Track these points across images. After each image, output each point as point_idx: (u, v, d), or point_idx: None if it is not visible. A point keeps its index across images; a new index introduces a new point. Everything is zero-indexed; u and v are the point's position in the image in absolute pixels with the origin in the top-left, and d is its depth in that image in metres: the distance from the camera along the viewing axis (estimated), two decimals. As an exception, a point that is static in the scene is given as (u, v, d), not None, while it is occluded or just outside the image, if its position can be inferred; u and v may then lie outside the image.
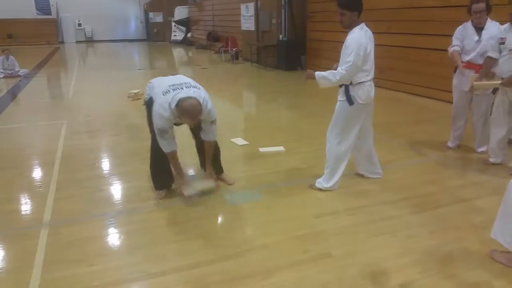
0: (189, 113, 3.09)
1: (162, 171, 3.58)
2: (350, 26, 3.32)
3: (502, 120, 4.01)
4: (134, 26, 28.79)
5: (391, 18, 8.18)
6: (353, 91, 3.37)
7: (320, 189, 3.64)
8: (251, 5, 13.41)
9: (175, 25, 22.97)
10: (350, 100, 3.38)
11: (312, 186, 3.69)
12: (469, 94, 4.41)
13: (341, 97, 3.47)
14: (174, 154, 3.35)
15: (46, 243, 2.88)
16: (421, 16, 7.52)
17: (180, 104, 3.08)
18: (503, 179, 3.67)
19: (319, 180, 3.67)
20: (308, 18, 11.59)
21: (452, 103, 4.67)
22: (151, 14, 27.03)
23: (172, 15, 23.13)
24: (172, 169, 3.49)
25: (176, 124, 3.41)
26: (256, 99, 8.92)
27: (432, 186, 3.78)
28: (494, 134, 4.12)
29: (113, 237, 3.01)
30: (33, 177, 4.23)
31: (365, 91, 3.38)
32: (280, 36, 11.93)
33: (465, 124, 4.63)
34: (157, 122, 3.19)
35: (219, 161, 3.89)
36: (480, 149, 4.54)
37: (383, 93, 8.01)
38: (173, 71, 12.13)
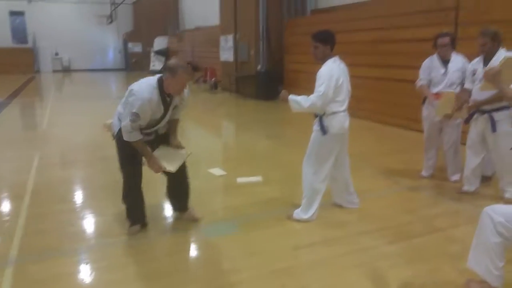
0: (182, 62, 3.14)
1: (136, 207, 3.45)
2: (323, 59, 3.43)
3: (476, 148, 4.10)
4: (112, 55, 28.77)
5: (366, 51, 8.45)
6: (326, 121, 3.43)
7: (298, 220, 3.61)
8: (230, 37, 13.66)
9: (154, 55, 23.10)
10: (324, 130, 3.44)
11: (290, 217, 3.66)
12: (439, 124, 4.53)
13: (315, 127, 3.53)
14: (140, 140, 3.18)
15: (11, 283, 2.74)
16: (392, 49, 7.79)
17: (168, 66, 3.07)
18: (477, 208, 3.72)
19: (297, 211, 3.66)
20: (286, 50, 11.86)
21: (423, 132, 4.78)
22: (130, 44, 27.12)
23: (151, 45, 23.29)
24: (142, 152, 3.25)
25: (147, 128, 3.29)
26: (235, 128, 8.95)
27: (408, 215, 3.81)
28: (468, 162, 4.21)
29: (84, 274, 2.88)
30: (1, 211, 4.06)
31: (339, 121, 3.45)
32: (259, 66, 12.13)
33: (437, 153, 4.73)
34: (136, 104, 3.02)
35: (188, 196, 3.68)
36: (454, 178, 4.62)
37: (358, 123, 8.16)
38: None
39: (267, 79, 12.00)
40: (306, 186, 3.62)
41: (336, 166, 3.68)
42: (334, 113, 3.42)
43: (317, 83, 3.35)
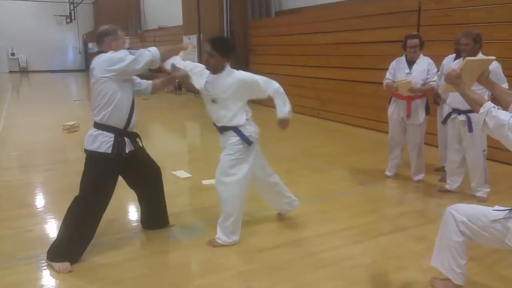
0: None
1: (85, 242, 2.97)
2: (217, 70, 3.14)
3: (455, 147, 4.19)
4: (72, 56, 27.85)
5: (330, 53, 8.55)
6: (246, 131, 3.17)
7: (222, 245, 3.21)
8: (194, 37, 13.50)
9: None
10: (248, 141, 3.16)
11: (212, 243, 3.22)
12: (403, 124, 4.63)
13: (231, 140, 3.17)
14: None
15: (-42, 296, 2.55)
16: (356, 51, 7.93)
17: (107, 29, 2.96)
18: (441, 207, 3.82)
19: (220, 235, 3.23)
20: (250, 52, 11.85)
21: (388, 133, 4.89)
22: (90, 45, 26.34)
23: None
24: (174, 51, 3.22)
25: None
26: (201, 129, 8.83)
27: (373, 214, 3.86)
28: (449, 161, 4.31)
29: (44, 281, 2.73)
30: (-51, 220, 3.80)
31: (253, 125, 3.26)
32: (223, 68, 12.05)
33: (401, 153, 4.82)
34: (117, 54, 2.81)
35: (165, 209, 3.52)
36: (416, 178, 4.73)
37: (325, 124, 8.26)
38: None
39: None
40: (236, 205, 3.19)
41: (258, 173, 3.39)
42: (247, 119, 3.21)
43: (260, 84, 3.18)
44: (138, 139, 3.09)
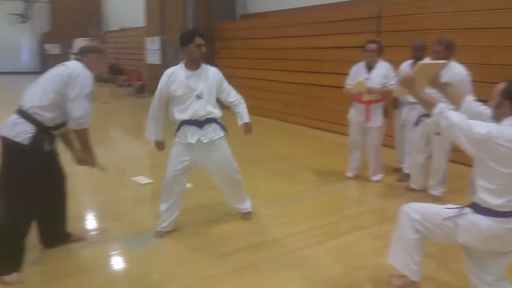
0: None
1: (15, 246, 2.74)
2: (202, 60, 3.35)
3: (420, 149, 4.34)
4: (27, 58, 26.71)
5: (295, 57, 8.65)
6: (221, 122, 3.43)
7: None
8: (157, 39, 13.31)
9: (73, 57, 21.78)
10: (226, 129, 3.44)
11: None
12: (363, 127, 4.75)
13: (218, 134, 3.38)
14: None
15: None
16: (319, 56, 8.07)
17: (94, 47, 3.02)
18: (398, 206, 3.91)
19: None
20: (216, 55, 11.80)
21: (348, 135, 5.00)
22: (47, 46, 25.38)
23: (71, 47, 22.00)
24: (89, 144, 2.94)
25: None
26: (165, 133, 8.68)
27: (334, 215, 3.94)
28: (414, 161, 4.47)
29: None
30: None
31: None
32: (187, 70, 11.94)
33: (362, 155, 4.95)
34: (88, 82, 2.82)
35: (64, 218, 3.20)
36: (375, 178, 4.87)
37: (288, 127, 8.35)
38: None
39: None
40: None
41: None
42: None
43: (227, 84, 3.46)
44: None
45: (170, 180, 3.35)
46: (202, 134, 3.29)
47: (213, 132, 3.33)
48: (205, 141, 3.30)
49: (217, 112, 3.33)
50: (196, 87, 3.22)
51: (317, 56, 8.11)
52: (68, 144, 3.09)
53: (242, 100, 3.48)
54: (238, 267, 2.94)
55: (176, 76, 3.25)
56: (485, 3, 5.27)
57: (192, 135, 3.28)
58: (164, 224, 3.40)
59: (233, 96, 3.46)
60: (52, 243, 3.14)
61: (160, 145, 3.34)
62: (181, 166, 3.33)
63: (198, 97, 3.22)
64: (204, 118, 3.27)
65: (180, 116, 3.29)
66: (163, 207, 3.39)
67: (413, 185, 4.54)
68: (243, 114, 3.44)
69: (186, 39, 3.21)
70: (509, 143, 2.06)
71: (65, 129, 2.95)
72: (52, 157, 2.94)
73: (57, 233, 3.15)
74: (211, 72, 3.34)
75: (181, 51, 3.31)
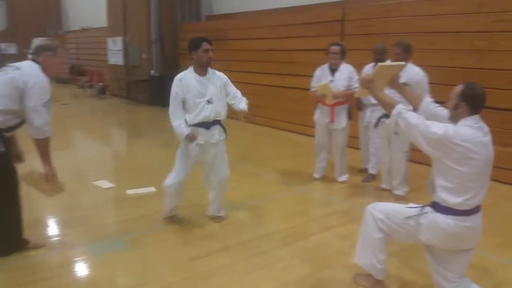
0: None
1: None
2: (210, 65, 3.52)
3: (386, 148, 4.43)
4: (-20, 57, 25.45)
5: (262, 59, 8.67)
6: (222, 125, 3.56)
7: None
8: (119, 39, 13.01)
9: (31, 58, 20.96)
10: (225, 129, 3.57)
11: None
12: (328, 129, 4.82)
13: (222, 136, 3.55)
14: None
15: None
16: (286, 58, 8.13)
17: (47, 45, 2.93)
18: (364, 206, 4.00)
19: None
20: (181, 55, 11.66)
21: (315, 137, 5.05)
22: (2, 45, 24.28)
23: (28, 47, 21.15)
24: (48, 154, 2.88)
25: None
26: (127, 136, 8.50)
27: (301, 216, 3.97)
28: (381, 163, 4.58)
29: None
30: None
31: None
32: (152, 71, 11.73)
33: (328, 156, 5.01)
34: (47, 90, 2.80)
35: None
36: (341, 179, 4.95)
37: (255, 129, 8.34)
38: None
39: (161, 84, 11.66)
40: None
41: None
42: None
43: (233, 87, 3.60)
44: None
45: (183, 179, 3.49)
46: (210, 134, 3.44)
47: (219, 133, 3.50)
48: (212, 141, 3.45)
49: (224, 114, 3.50)
50: (206, 93, 3.35)
51: (284, 58, 8.17)
52: (12, 143, 2.99)
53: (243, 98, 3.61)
54: (205, 272, 2.90)
55: (187, 81, 3.37)
56: (446, 8, 5.45)
57: (200, 136, 3.38)
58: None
59: (234, 89, 3.62)
60: (6, 251, 2.98)
61: (192, 137, 3.30)
62: (190, 165, 3.48)
63: (209, 102, 3.36)
64: (212, 120, 3.41)
65: (191, 120, 3.38)
66: (168, 206, 3.62)
67: (383, 185, 4.64)
68: (244, 104, 3.57)
69: (194, 44, 3.38)
70: (466, 143, 2.14)
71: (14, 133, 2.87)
72: (5, 159, 2.81)
73: (10, 240, 2.99)
74: (218, 76, 3.48)
75: (189, 55, 3.48)
